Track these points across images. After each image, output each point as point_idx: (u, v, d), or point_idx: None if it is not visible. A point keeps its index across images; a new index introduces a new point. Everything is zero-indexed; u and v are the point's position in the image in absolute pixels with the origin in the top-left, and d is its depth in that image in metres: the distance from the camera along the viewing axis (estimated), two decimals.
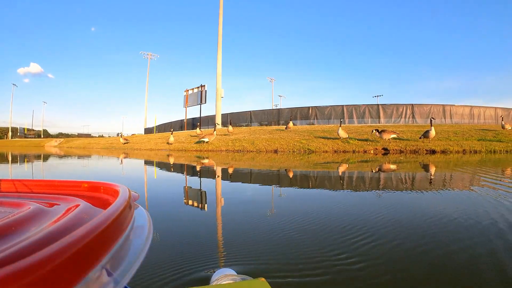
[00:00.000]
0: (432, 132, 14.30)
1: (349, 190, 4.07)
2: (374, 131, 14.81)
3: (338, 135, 15.20)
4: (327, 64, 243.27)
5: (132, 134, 47.80)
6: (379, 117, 27.28)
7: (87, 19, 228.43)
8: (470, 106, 28.43)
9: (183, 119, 37.47)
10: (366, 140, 15.18)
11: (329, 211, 2.80)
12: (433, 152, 13.05)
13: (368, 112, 27.64)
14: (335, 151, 13.61)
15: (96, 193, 0.95)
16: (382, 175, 5.89)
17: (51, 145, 40.46)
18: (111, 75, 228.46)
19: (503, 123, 18.11)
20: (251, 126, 29.73)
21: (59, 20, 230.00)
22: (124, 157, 12.69)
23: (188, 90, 35.14)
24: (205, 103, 32.91)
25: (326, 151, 13.75)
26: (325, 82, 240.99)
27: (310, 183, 4.92)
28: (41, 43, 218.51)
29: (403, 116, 27.33)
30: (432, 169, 6.90)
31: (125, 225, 0.61)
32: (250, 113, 32.00)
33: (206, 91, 32.67)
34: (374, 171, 6.57)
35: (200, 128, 21.99)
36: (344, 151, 13.53)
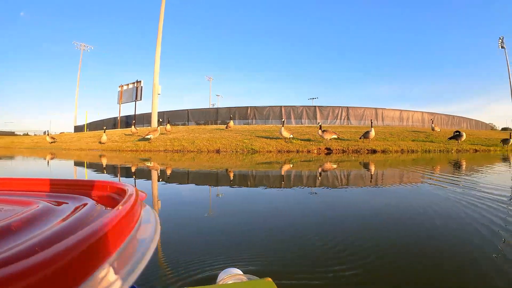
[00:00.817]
0: (372, 133, 14.89)
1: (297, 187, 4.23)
2: (319, 127, 14.99)
3: (281, 135, 15.06)
4: (266, 66, 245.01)
5: (61, 133, 43.37)
6: (316, 118, 28.06)
7: (16, 2, 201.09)
8: (400, 110, 30.51)
9: (117, 117, 35.50)
10: (309, 140, 15.30)
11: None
12: (374, 151, 13.64)
13: (305, 113, 28.29)
14: (279, 151, 13.52)
15: (104, 192, 0.91)
16: (330, 173, 6.12)
17: None
18: (40, 66, 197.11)
19: (432, 125, 20.25)
20: (188, 125, 29.24)
21: None
22: (51, 158, 11.36)
23: (122, 86, 33.24)
24: (141, 100, 31.54)
25: (270, 151, 13.58)
26: (263, 83, 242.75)
27: (251, 183, 4.99)
28: None
29: (339, 117, 28.51)
30: (373, 167, 7.51)
31: (132, 224, 0.61)
32: (188, 111, 31.17)
33: (142, 87, 31.29)
34: (322, 170, 6.77)
35: (135, 126, 20.74)
36: (288, 151, 13.47)
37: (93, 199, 0.80)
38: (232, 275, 1.09)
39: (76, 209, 0.70)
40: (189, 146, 14.80)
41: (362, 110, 29.25)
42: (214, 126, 23.67)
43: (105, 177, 5.73)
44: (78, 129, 46.63)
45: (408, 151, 14.16)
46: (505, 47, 45.93)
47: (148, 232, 0.62)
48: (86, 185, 0.98)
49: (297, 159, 9.84)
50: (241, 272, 1.12)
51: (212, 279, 1.32)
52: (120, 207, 0.58)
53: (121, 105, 33.56)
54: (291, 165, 7.85)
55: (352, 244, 1.87)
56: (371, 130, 14.75)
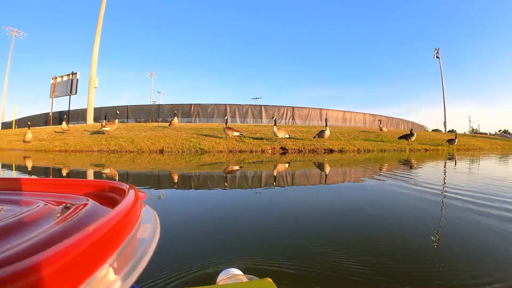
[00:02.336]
0: (327, 132, 14.61)
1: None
2: (274, 124, 14.12)
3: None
4: (209, 65, 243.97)
5: None
6: (261, 117, 28.07)
7: None
8: (343, 111, 31.41)
9: (49, 113, 32.29)
10: (261, 138, 13.95)
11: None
12: (331, 151, 13.18)
13: (251, 112, 27.50)
14: (231, 151, 12.65)
15: (104, 192, 0.89)
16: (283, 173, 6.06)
17: None
18: None
19: (380, 126, 20.86)
20: (127, 122, 27.75)
21: None
22: None
23: (56, 78, 30.19)
24: (76, 93, 28.85)
25: (221, 151, 12.63)
26: (206, 82, 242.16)
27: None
28: None
29: (284, 117, 27.91)
30: (328, 168, 7.25)
31: (132, 224, 0.60)
32: (127, 108, 29.36)
33: (77, 79, 28.60)
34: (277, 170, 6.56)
35: (67, 123, 18.82)
36: (240, 151, 12.67)
37: (93, 199, 0.77)
38: (232, 275, 1.07)
39: (76, 209, 0.68)
40: (128, 146, 13.07)
41: (307, 110, 29.54)
42: (156, 124, 21.64)
43: None
44: (6, 125, 41.72)
45: (364, 151, 13.92)
46: (440, 57, 50.40)
47: (148, 232, 0.62)
48: (86, 185, 0.94)
49: (250, 160, 9.36)
50: (241, 272, 1.10)
51: (212, 279, 1.30)
52: (120, 207, 0.58)
53: (53, 99, 30.56)
54: (241, 166, 7.33)
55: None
56: (326, 130, 14.48)
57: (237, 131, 14.43)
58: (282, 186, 4.32)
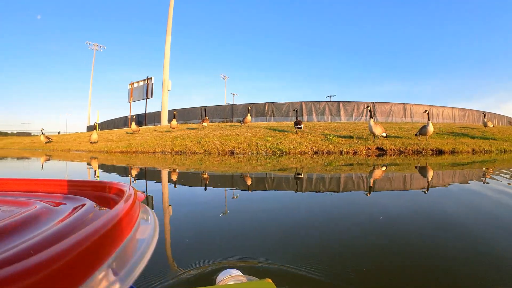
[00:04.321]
0: (430, 128, 11.61)
1: None
2: (369, 114, 12.07)
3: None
4: (280, 65, 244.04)
5: (58, 132, 46.16)
6: (339, 115, 26.61)
7: (32, 5, 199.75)
8: (430, 105, 27.64)
9: (128, 116, 33.60)
10: (350, 137, 10.89)
11: None
12: (440, 152, 10.28)
13: (328, 109, 25.37)
14: (316, 152, 10.32)
15: (102, 193, 0.88)
16: None
17: None
18: (55, 67, 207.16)
19: (485, 120, 16.94)
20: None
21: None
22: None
23: (133, 83, 31.37)
24: (151, 97, 29.55)
25: (304, 152, 10.65)
26: (278, 82, 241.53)
27: None
28: None
29: (364, 114, 25.99)
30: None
31: (131, 224, 0.59)
32: (201, 109, 27.30)
33: (152, 84, 29.31)
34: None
35: (136, 123, 18.29)
36: (327, 152, 10.12)
37: (91, 200, 0.77)
38: (232, 276, 1.04)
39: (74, 209, 0.68)
40: (194, 146, 11.39)
41: (389, 106, 26.57)
42: (229, 123, 19.64)
43: None
44: (90, 128, 46.00)
45: (480, 151, 10.62)
46: None
47: (147, 233, 0.60)
48: (84, 185, 0.94)
49: (340, 162, 7.35)
50: (241, 273, 1.07)
51: (212, 280, 1.22)
52: (118, 207, 0.56)
53: (131, 103, 31.72)
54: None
55: None
56: (428, 125, 11.50)
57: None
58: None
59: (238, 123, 19.56)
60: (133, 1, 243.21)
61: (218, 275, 1.11)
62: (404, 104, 26.45)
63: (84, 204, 0.69)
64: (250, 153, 10.54)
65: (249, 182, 4.44)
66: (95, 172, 6.01)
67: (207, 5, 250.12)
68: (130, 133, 18.16)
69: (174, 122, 16.51)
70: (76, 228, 0.52)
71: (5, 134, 77.48)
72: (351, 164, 6.89)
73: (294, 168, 6.18)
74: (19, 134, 70.78)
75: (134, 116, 22.28)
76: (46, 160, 9.70)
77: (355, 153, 10.16)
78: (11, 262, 0.35)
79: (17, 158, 10.83)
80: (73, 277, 0.38)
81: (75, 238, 0.41)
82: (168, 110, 27.00)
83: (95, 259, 0.43)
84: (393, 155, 9.84)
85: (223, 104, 31.05)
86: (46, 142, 21.16)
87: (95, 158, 10.08)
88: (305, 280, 1.29)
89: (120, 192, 0.78)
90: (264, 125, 18.41)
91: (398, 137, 12.39)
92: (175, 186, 4.21)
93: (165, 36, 26.63)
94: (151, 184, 4.46)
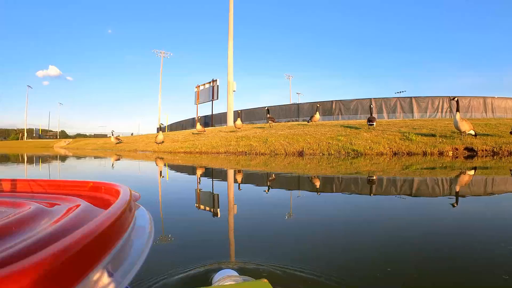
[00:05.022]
0: None
1: None
2: (455, 107, 10.11)
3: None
4: (344, 62, 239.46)
5: (131, 134, 49.67)
6: (412, 112, 24.70)
7: (103, 21, 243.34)
8: None
9: (195, 117, 34.10)
10: (433, 135, 9.64)
11: None
12: None
13: (399, 105, 24.02)
14: (395, 153, 8.96)
15: (97, 193, 0.89)
16: None
17: (60, 146, 40.74)
18: (126, 75, 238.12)
19: None
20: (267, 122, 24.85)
21: (78, 23, 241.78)
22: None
23: (199, 86, 32.22)
24: (217, 99, 30.07)
25: (382, 153, 9.51)
26: (343, 80, 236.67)
27: None
28: (60, 46, 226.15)
29: (440, 110, 24.06)
30: None
31: (126, 225, 0.58)
32: (267, 109, 26.84)
33: (218, 86, 29.80)
34: None
35: (200, 124, 18.35)
36: (408, 153, 8.70)
37: (86, 200, 0.75)
38: (228, 276, 1.02)
39: (68, 210, 0.67)
40: (260, 147, 10.67)
41: (467, 100, 23.63)
42: (296, 123, 18.90)
43: None
44: (159, 130, 45.77)
45: None
46: None
47: (142, 233, 0.60)
48: (79, 186, 0.94)
49: (420, 166, 6.24)
50: (237, 274, 1.06)
51: (208, 281, 1.19)
52: (113, 208, 0.56)
53: (198, 105, 32.64)
54: None
55: None
56: None
57: (372, 122, 11.79)
58: None
59: (305, 122, 18.76)
60: (195, 7, 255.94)
61: (214, 275, 1.11)
62: (484, 97, 23.69)
63: (79, 205, 0.68)
64: (320, 154, 9.55)
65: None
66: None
67: (268, 6, 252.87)
68: (196, 133, 18.37)
69: (238, 121, 16.36)
70: (70, 229, 0.50)
71: (84, 136, 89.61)
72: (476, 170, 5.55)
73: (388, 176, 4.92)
74: (96, 136, 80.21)
75: (200, 117, 22.48)
76: (117, 159, 10.24)
77: (441, 154, 8.80)
78: (4, 263, 0.35)
79: (77, 157, 11.69)
80: (67, 279, 0.38)
81: (69, 239, 0.41)
82: (234, 111, 26.92)
83: (89, 260, 0.43)
84: (485, 156, 8.34)
85: (288, 103, 30.42)
86: (117, 143, 22.61)
87: (160, 158, 10.16)
88: None
89: (115, 192, 0.78)
90: (333, 123, 17.49)
91: (487, 134, 10.61)
92: (239, 188, 4.06)
93: (227, 38, 26.82)
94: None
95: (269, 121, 15.32)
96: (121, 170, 6.96)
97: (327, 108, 25.81)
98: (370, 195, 3.36)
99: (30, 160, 11.09)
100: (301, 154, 9.75)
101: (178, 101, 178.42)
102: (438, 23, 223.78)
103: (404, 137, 10.48)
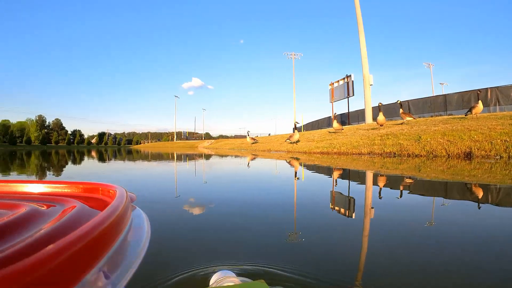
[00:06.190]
0: None
1: None
2: None
3: None
4: (494, 43, 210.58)
5: (269, 134, 52.06)
6: None
7: (236, 33, 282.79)
8: None
9: (330, 116, 33.46)
10: None
11: None
12: None
13: None
14: None
15: (93, 194, 0.88)
16: None
17: (203, 146, 45.82)
18: (260, 80, 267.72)
19: None
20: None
21: (214, 38, 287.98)
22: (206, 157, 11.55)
23: (333, 83, 30.16)
24: (353, 95, 27.35)
25: None
26: (495, 65, 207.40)
27: None
28: (201, 61, 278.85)
29: None
30: None
31: (123, 226, 0.58)
32: (408, 103, 24.63)
33: (352, 81, 27.06)
34: None
35: (337, 122, 17.14)
36: None
37: (82, 202, 0.74)
38: (225, 277, 0.99)
39: (64, 212, 0.66)
40: (411, 146, 8.91)
41: None
42: (446, 117, 16.11)
43: None
44: (294, 130, 47.21)
45: None
46: None
47: (138, 235, 0.58)
48: (75, 187, 0.94)
49: None
50: (234, 275, 1.03)
51: (205, 282, 1.16)
52: (109, 209, 0.55)
53: (333, 103, 30.52)
54: None
55: None
56: None
57: None
58: None
59: (457, 116, 15.38)
60: (320, 7, 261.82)
61: (211, 277, 1.07)
62: None
63: (74, 206, 0.67)
64: (497, 157, 6.74)
65: None
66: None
67: None
68: (333, 132, 17.46)
69: (381, 117, 14.02)
70: (65, 231, 0.50)
71: (225, 137, 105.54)
72: None
73: None
74: (236, 137, 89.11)
75: (336, 115, 21.34)
76: (253, 158, 10.18)
77: None
78: None
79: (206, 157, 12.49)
80: (63, 281, 0.38)
81: (65, 241, 0.41)
82: (372, 107, 24.71)
83: (85, 263, 0.43)
84: None
85: (431, 95, 27.19)
86: (252, 143, 23.76)
87: (294, 159, 9.35)
88: None
89: (111, 194, 0.77)
90: (498, 115, 12.89)
91: None
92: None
93: (357, 29, 24.99)
94: None
95: (406, 117, 13.02)
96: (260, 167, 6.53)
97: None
98: None
99: (170, 157, 12.69)
100: (468, 155, 7.27)
101: (312, 100, 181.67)
102: None
103: None
